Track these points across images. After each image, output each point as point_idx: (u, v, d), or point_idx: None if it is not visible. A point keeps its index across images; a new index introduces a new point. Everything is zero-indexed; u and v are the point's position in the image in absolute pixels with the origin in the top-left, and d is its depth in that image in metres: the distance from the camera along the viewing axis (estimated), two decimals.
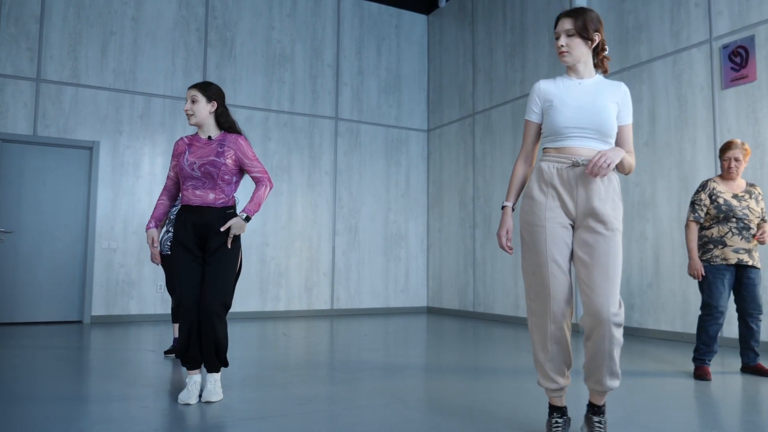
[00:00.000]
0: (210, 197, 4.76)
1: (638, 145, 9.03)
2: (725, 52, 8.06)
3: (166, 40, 11.09)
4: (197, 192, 4.75)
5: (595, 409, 3.64)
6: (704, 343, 5.89)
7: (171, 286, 6.80)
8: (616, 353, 3.45)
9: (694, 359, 5.94)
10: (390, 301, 12.85)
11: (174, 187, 4.99)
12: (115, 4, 10.73)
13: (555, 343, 3.56)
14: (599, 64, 3.77)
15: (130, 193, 10.55)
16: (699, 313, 6.02)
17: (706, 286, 5.90)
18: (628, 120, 3.69)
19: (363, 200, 12.71)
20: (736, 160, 5.94)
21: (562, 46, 3.65)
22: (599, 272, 3.44)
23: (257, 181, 4.93)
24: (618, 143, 3.70)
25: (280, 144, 11.89)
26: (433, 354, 7.22)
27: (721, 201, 5.88)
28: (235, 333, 8.82)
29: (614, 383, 3.51)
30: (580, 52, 3.65)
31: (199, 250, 4.74)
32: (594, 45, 3.67)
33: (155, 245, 4.93)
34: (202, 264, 4.73)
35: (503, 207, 3.79)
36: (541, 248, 3.55)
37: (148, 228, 4.90)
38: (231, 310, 11.12)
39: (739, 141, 5.97)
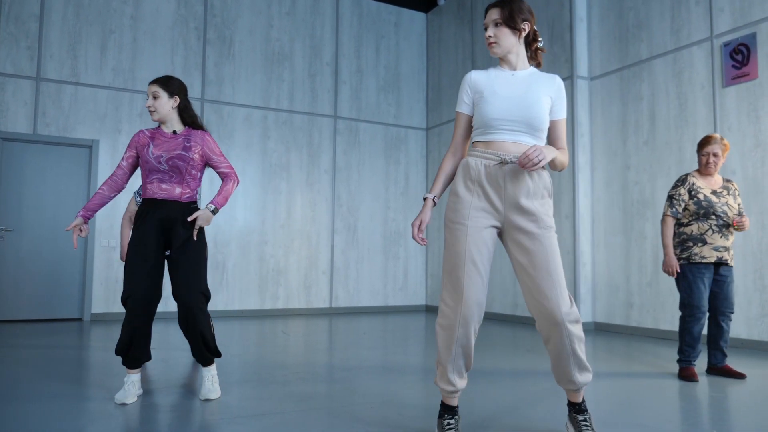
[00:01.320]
0: (176, 191, 4.72)
1: (638, 143, 9.04)
2: (726, 49, 8.03)
3: (165, 39, 11.10)
4: (163, 186, 4.70)
5: (576, 408, 3.58)
6: (688, 345, 5.77)
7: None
8: (580, 349, 3.41)
9: (679, 360, 5.85)
10: (389, 299, 12.86)
11: (122, 179, 4.85)
12: (114, 3, 10.74)
13: (459, 346, 3.47)
14: (533, 57, 3.70)
15: (129, 192, 10.55)
16: (681, 315, 5.86)
17: (686, 285, 5.76)
18: (562, 114, 3.63)
19: (362, 199, 12.72)
20: (715, 155, 5.80)
21: (489, 36, 3.59)
22: (542, 276, 3.37)
23: (225, 176, 4.91)
24: (550, 138, 3.65)
25: (279, 142, 11.90)
26: (431, 353, 7.23)
27: (701, 197, 5.75)
28: (233, 331, 8.84)
29: (586, 377, 3.48)
30: (509, 42, 3.58)
31: (159, 248, 4.66)
32: (524, 35, 3.61)
33: (70, 229, 4.69)
34: (159, 263, 4.65)
35: (425, 198, 3.67)
36: (461, 248, 3.44)
37: (77, 216, 4.69)
38: (229, 308, 11.14)
39: (718, 136, 5.86)
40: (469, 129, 3.70)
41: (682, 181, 5.89)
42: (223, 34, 11.58)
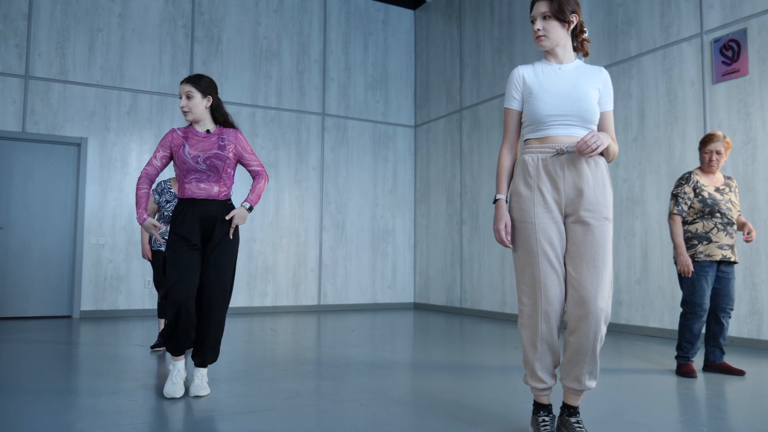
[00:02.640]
0: (215, 190, 4.75)
1: (627, 140, 9.05)
2: (716, 46, 8.01)
3: (153, 37, 11.09)
4: (201, 185, 4.72)
5: (570, 410, 3.54)
6: (688, 341, 5.74)
7: (159, 281, 6.83)
8: (599, 350, 3.37)
9: (678, 357, 5.83)
10: (377, 296, 12.88)
11: (154, 176, 4.83)
12: (102, 1, 10.72)
13: (545, 343, 3.45)
14: (579, 48, 3.66)
15: (118, 189, 10.55)
16: (681, 310, 5.87)
17: (689, 283, 5.73)
18: (610, 106, 3.59)
19: (350, 196, 12.74)
20: (718, 153, 5.77)
21: (538, 30, 3.51)
22: (587, 268, 3.34)
23: (256, 174, 4.98)
24: (599, 130, 3.57)
25: (267, 140, 11.91)
26: (420, 350, 7.25)
27: (705, 195, 5.70)
28: None
29: (592, 383, 3.46)
30: (558, 35, 3.52)
31: (200, 245, 4.70)
32: (572, 27, 3.55)
33: (156, 232, 4.80)
34: (200, 260, 4.70)
35: (496, 200, 3.60)
36: (532, 245, 3.42)
37: (143, 220, 4.69)
38: None
39: (721, 134, 5.81)
40: (520, 124, 3.67)
41: (686, 179, 5.84)
42: (210, 31, 11.58)
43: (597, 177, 3.42)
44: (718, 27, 8.03)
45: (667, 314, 8.35)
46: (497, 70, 11.36)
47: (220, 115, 4.93)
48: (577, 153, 3.29)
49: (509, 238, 3.54)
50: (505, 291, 10.89)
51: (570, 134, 3.45)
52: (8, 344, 7.23)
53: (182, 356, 4.78)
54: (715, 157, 5.79)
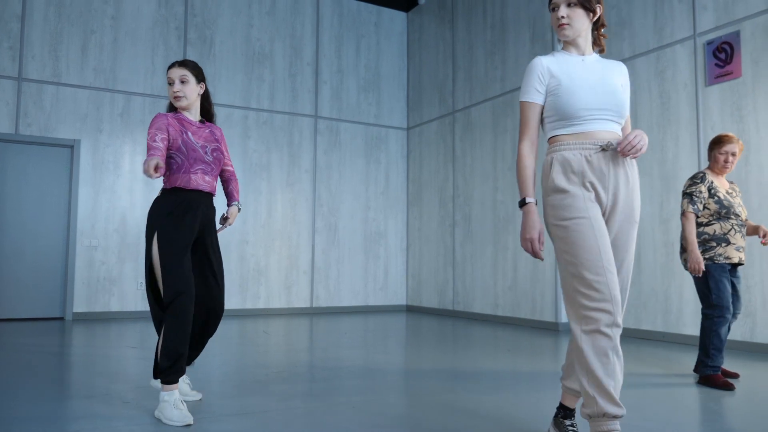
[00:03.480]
0: (214, 185, 4.43)
1: None
2: (709, 48, 8.01)
3: (146, 39, 11.10)
4: (206, 178, 4.35)
5: (567, 412, 3.50)
6: (716, 348, 5.46)
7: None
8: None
9: (707, 367, 5.50)
10: (369, 299, 12.90)
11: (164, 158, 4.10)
12: (95, 3, 10.72)
13: (615, 354, 3.03)
14: (596, 42, 3.47)
15: (111, 191, 10.55)
16: (705, 316, 5.61)
17: (713, 285, 5.50)
18: (629, 102, 3.40)
19: (342, 198, 12.75)
20: (733, 154, 5.62)
21: (562, 17, 3.28)
22: (617, 268, 3.18)
23: (232, 174, 4.78)
24: (622, 129, 3.43)
25: (259, 142, 11.92)
26: (412, 352, 7.28)
27: (721, 196, 5.55)
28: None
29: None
30: (582, 25, 3.31)
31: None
32: (595, 18, 3.35)
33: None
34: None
35: (526, 204, 3.25)
36: (591, 242, 3.06)
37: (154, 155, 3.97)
38: None
39: (734, 136, 5.66)
40: (541, 119, 3.40)
41: (700, 178, 5.64)
42: (203, 34, 11.59)
43: (634, 178, 3.27)
44: (711, 29, 8.04)
45: (660, 317, 8.37)
46: (490, 73, 11.38)
47: (208, 105, 4.61)
48: (621, 154, 3.15)
49: (542, 248, 3.22)
50: (497, 294, 10.90)
51: (608, 129, 3.25)
52: (0, 346, 7.23)
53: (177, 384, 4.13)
54: (730, 158, 5.66)
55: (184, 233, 4.17)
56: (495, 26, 11.32)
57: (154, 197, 4.38)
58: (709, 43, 8.04)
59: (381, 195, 13.22)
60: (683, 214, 5.59)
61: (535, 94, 3.34)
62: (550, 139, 3.36)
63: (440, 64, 12.75)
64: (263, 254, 11.85)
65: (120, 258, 10.59)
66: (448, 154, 12.34)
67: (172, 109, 4.49)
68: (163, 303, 4.12)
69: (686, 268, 5.63)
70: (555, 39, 9.89)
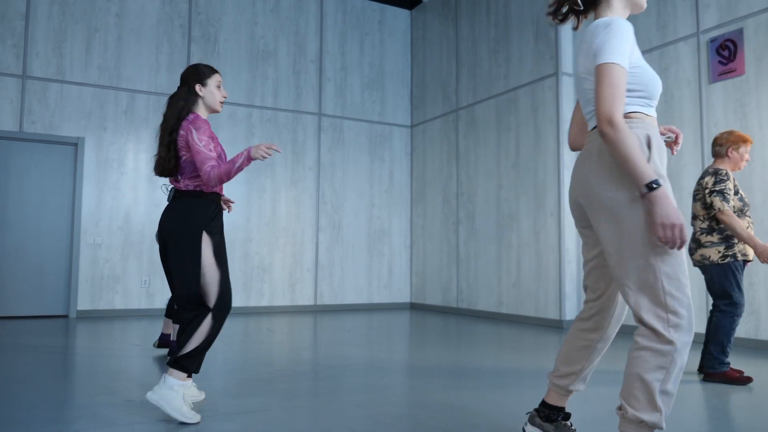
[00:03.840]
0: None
1: None
2: (713, 45, 8.00)
3: (150, 37, 11.10)
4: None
5: (554, 412, 3.33)
6: (730, 344, 5.48)
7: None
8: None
9: (722, 363, 5.46)
10: (373, 297, 12.90)
11: None
12: (100, 1, 10.73)
13: (681, 369, 2.70)
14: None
15: (115, 189, 10.57)
16: (723, 313, 5.53)
17: (735, 282, 5.46)
18: None
19: (346, 196, 12.75)
20: (748, 155, 5.64)
21: None
22: None
23: None
24: None
25: (263, 140, 11.91)
26: (416, 350, 7.27)
27: (743, 193, 5.49)
28: None
29: (581, 386, 3.27)
30: None
31: None
32: None
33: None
34: None
35: (657, 187, 2.58)
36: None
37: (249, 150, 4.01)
38: None
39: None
40: None
41: (726, 175, 5.49)
42: (207, 31, 11.59)
43: None
44: (715, 26, 8.03)
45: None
46: (493, 71, 11.36)
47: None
48: (674, 148, 3.03)
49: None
50: (500, 291, 10.89)
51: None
52: (4, 344, 7.24)
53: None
54: (747, 157, 5.63)
55: (221, 244, 4.21)
56: (498, 24, 11.30)
57: (171, 197, 4.19)
58: (713, 40, 8.03)
59: (385, 193, 13.21)
60: (721, 212, 5.38)
61: (626, 57, 2.73)
62: (627, 114, 2.81)
63: (444, 62, 12.73)
64: (267, 252, 11.85)
65: (124, 255, 10.60)
66: (451, 152, 12.33)
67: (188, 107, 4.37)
68: (207, 303, 4.11)
69: (695, 265, 5.64)
70: (559, 36, 9.87)
